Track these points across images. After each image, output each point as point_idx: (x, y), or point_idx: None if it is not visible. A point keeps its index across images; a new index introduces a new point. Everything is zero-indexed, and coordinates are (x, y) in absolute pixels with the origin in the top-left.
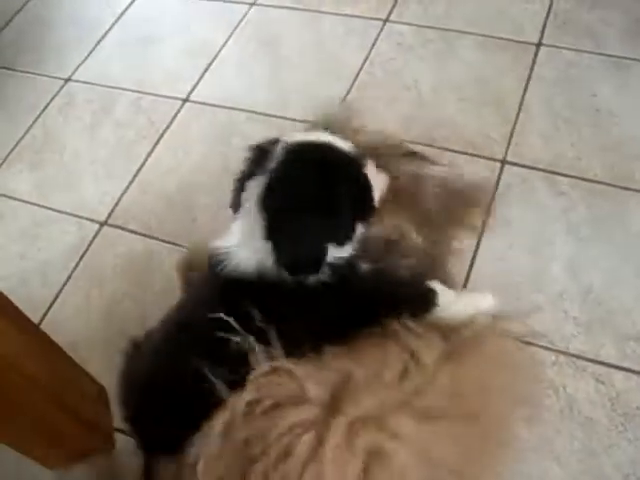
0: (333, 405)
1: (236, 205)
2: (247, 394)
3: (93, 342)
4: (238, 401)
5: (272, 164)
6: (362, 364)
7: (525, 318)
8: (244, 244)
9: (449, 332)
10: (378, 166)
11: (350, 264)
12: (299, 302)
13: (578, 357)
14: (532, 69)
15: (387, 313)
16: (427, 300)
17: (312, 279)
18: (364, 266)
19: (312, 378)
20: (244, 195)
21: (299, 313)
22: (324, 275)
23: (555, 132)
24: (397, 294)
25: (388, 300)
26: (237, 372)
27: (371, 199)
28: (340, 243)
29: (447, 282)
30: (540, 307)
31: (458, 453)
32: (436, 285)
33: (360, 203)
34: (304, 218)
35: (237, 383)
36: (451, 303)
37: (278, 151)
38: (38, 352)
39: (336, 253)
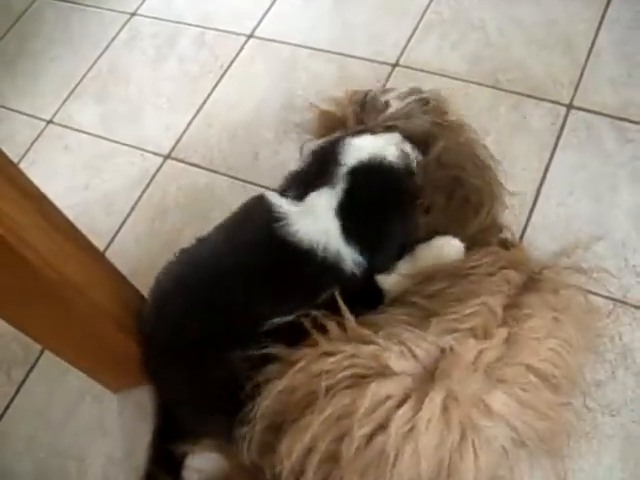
0: (426, 378)
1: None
2: (318, 364)
3: (154, 270)
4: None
5: (341, 181)
6: (459, 333)
7: (584, 265)
8: (313, 224)
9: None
10: None
11: None
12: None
13: (636, 307)
14: (605, 11)
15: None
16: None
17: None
18: None
19: (395, 349)
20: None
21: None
22: None
23: (626, 78)
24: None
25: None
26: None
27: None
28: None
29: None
30: (600, 255)
31: (542, 422)
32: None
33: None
34: (386, 227)
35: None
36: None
37: (343, 170)
38: (103, 279)
39: None
